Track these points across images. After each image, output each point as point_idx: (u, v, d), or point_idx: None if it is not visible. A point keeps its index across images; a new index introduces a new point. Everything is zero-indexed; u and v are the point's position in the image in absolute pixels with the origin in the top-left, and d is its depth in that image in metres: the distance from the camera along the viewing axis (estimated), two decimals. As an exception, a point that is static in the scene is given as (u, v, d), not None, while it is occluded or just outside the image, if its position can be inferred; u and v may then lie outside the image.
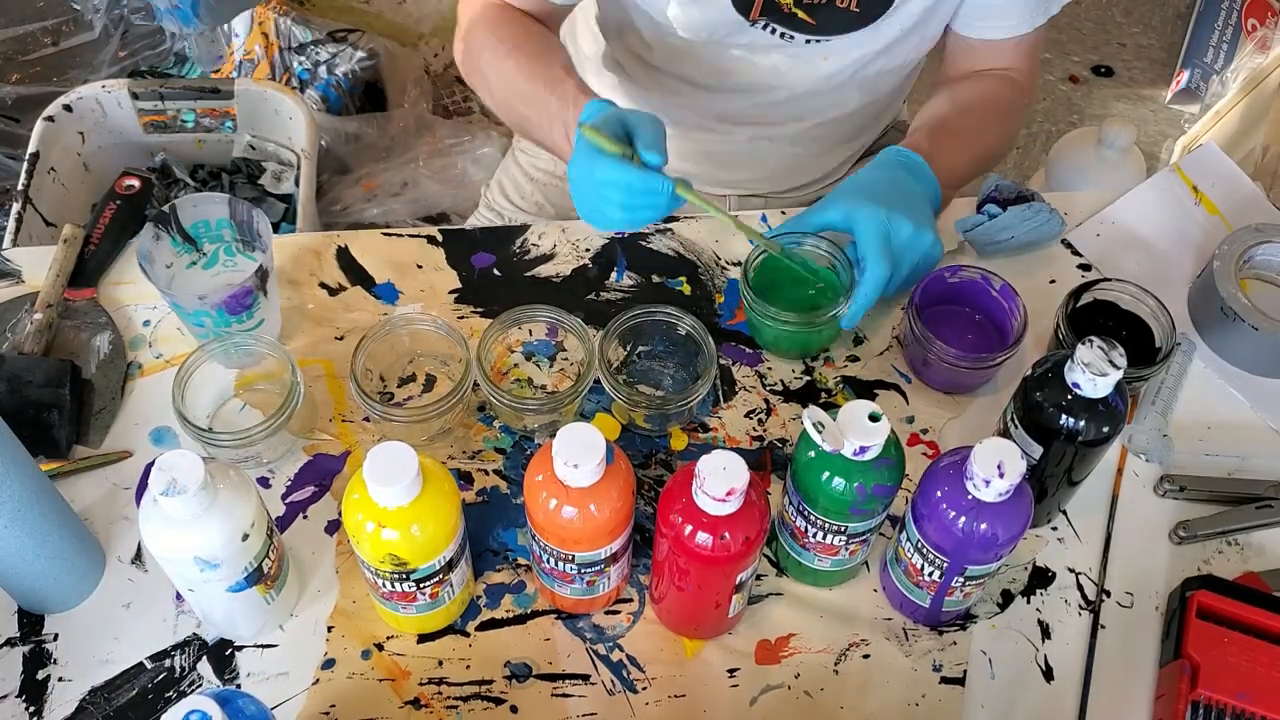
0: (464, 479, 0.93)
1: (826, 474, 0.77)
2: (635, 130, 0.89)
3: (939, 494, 0.77)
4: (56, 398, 0.91)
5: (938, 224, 1.02)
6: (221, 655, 0.84)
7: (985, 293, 0.99)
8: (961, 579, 0.80)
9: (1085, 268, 1.08)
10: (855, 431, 0.75)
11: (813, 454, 0.78)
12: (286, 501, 0.91)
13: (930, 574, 0.80)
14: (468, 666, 0.84)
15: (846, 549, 0.83)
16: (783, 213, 1.10)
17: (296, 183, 1.62)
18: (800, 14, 1.03)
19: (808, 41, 1.06)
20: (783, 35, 1.06)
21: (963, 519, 0.76)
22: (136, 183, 1.08)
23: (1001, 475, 0.72)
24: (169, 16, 1.63)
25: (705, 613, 0.83)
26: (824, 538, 0.82)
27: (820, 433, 0.75)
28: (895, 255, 0.95)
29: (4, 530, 0.77)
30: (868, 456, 0.75)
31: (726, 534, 0.74)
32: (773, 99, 1.14)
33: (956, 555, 0.78)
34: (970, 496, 0.75)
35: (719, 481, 0.71)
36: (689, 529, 0.74)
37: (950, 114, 1.10)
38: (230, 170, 1.66)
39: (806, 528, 0.82)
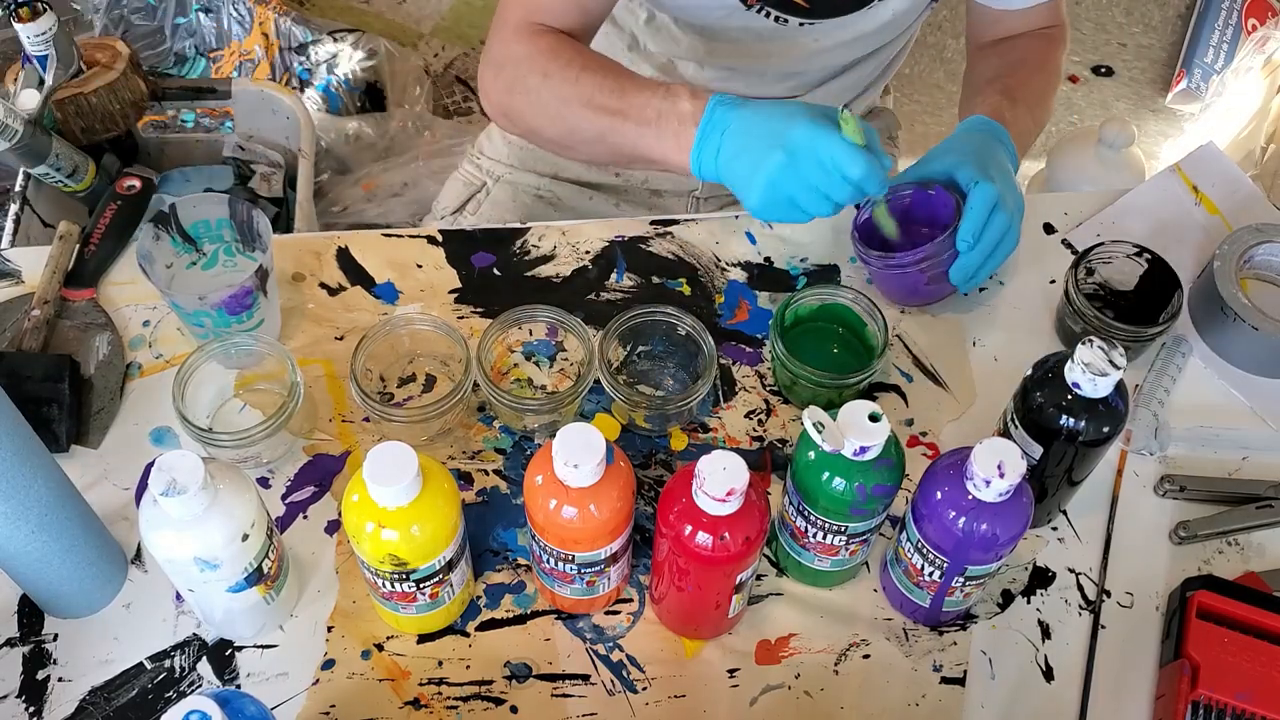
0: (464, 479, 0.93)
1: (826, 474, 0.77)
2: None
3: (939, 494, 0.77)
4: (55, 392, 0.91)
5: None
6: (221, 655, 0.84)
7: (928, 201, 0.99)
8: (961, 579, 0.80)
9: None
10: (855, 432, 0.75)
11: (813, 454, 0.78)
12: (286, 501, 0.91)
13: (930, 574, 0.80)
14: (468, 667, 0.84)
15: (846, 549, 0.83)
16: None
17: (291, 185, 1.62)
18: None
19: (800, 24, 1.08)
20: (777, 19, 1.07)
21: (963, 519, 0.76)
22: (137, 183, 1.08)
23: (1001, 475, 0.72)
24: None
25: (705, 613, 0.83)
26: (824, 538, 0.82)
27: (820, 433, 0.75)
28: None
29: (31, 535, 0.77)
30: (868, 457, 0.75)
31: (726, 534, 0.74)
32: (760, 77, 1.16)
33: (956, 555, 0.78)
34: (970, 496, 0.75)
35: (719, 481, 0.71)
36: (689, 529, 0.74)
37: (1014, 81, 1.11)
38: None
39: (806, 528, 0.82)
